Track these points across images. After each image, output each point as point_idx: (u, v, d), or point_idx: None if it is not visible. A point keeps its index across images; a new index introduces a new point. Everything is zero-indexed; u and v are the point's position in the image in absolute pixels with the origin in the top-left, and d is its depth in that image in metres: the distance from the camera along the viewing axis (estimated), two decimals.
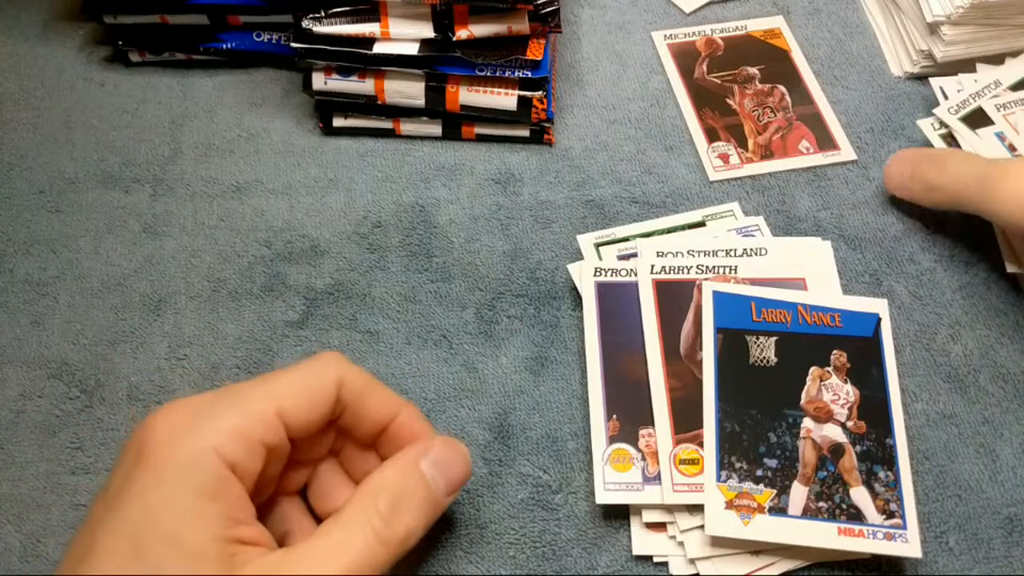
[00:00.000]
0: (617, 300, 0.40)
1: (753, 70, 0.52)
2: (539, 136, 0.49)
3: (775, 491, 0.34)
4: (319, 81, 0.46)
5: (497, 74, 0.45)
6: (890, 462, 0.35)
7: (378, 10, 0.44)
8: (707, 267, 0.41)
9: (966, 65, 0.50)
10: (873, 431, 0.36)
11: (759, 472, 0.35)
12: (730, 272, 0.41)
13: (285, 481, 0.32)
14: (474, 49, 0.45)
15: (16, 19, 0.55)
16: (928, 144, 0.46)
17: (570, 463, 0.38)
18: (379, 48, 0.45)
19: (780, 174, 0.47)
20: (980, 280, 0.43)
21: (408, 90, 0.46)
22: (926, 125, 0.47)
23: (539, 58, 0.45)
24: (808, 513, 0.34)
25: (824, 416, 0.36)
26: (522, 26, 0.44)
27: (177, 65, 0.53)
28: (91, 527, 0.27)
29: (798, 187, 0.47)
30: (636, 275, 0.41)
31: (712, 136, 0.49)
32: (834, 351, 0.38)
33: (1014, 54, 0.50)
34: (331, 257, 0.45)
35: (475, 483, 0.38)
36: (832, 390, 0.37)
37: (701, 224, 0.45)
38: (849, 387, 0.37)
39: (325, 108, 0.48)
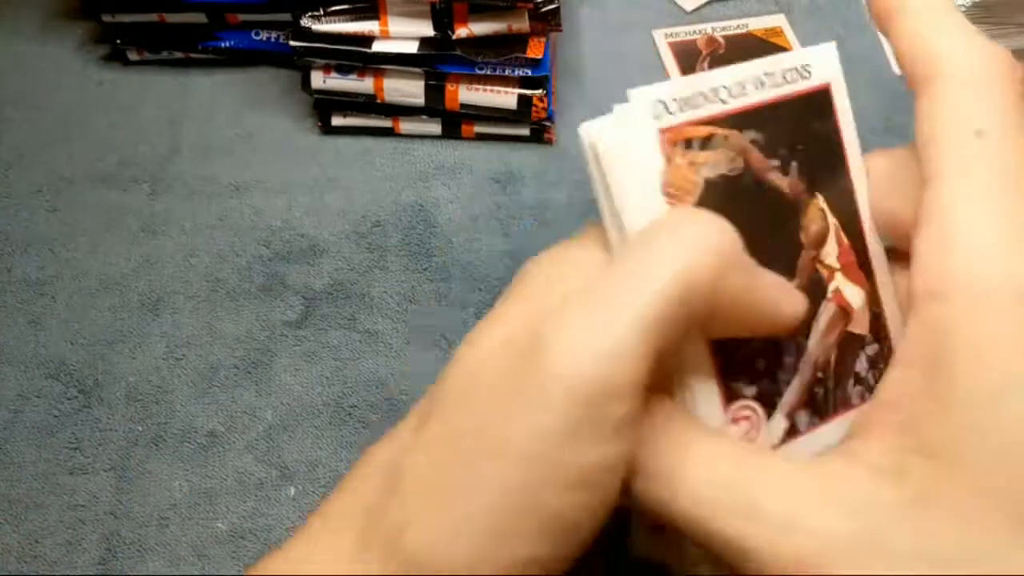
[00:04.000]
0: None
1: None
2: (539, 135, 0.48)
3: None
4: (318, 80, 0.46)
5: (497, 72, 0.45)
6: None
7: (377, 8, 0.44)
8: None
9: None
10: None
11: None
12: None
13: None
14: (474, 47, 0.44)
15: (14, 18, 0.55)
16: None
17: None
18: (378, 46, 0.44)
19: None
20: None
21: (407, 88, 0.46)
22: None
23: (539, 56, 0.44)
24: None
25: None
26: (522, 24, 0.44)
27: (175, 64, 0.52)
28: None
29: None
30: None
31: None
32: None
33: (1018, 52, 0.50)
34: (330, 257, 0.44)
35: None
36: None
37: None
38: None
39: (324, 107, 0.48)
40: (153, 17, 0.50)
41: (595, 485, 0.18)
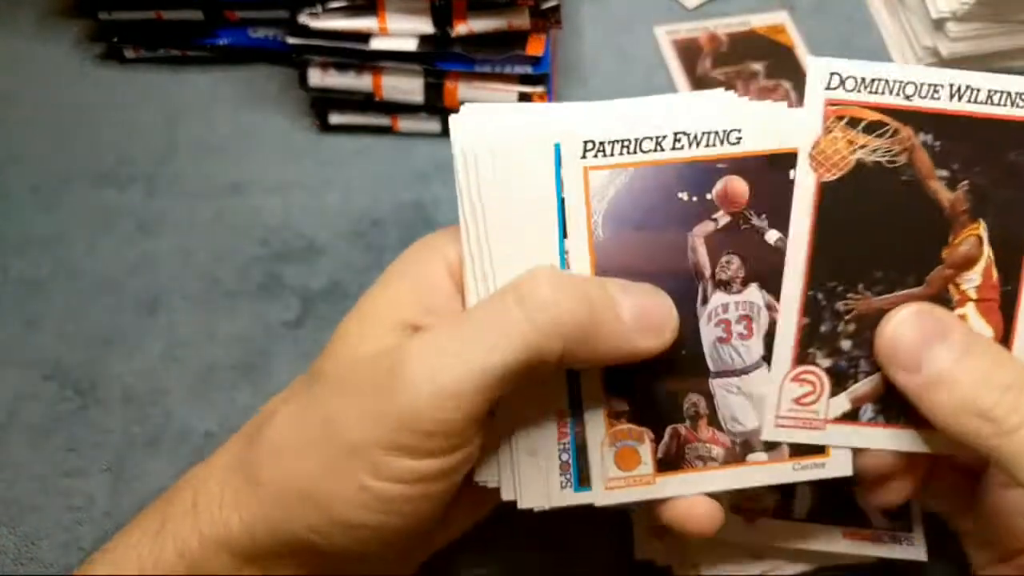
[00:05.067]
0: None
1: (757, 66, 0.52)
2: None
3: (779, 494, 0.34)
4: (315, 77, 0.46)
5: (497, 70, 0.45)
6: None
7: (376, 5, 0.44)
8: None
9: (971, 62, 0.49)
10: None
11: None
12: None
13: None
14: (473, 45, 0.44)
15: (10, 15, 0.55)
16: None
17: None
18: (376, 44, 0.44)
19: None
20: None
21: (406, 86, 0.46)
22: None
23: (539, 54, 0.44)
24: (814, 516, 0.34)
25: None
26: (522, 21, 0.44)
27: (172, 62, 0.52)
28: None
29: None
30: None
31: None
32: None
33: (1018, 51, 0.49)
34: (328, 256, 0.44)
35: None
36: None
37: None
38: None
39: (321, 105, 0.48)
40: (150, 14, 0.49)
41: (411, 482, 0.23)
